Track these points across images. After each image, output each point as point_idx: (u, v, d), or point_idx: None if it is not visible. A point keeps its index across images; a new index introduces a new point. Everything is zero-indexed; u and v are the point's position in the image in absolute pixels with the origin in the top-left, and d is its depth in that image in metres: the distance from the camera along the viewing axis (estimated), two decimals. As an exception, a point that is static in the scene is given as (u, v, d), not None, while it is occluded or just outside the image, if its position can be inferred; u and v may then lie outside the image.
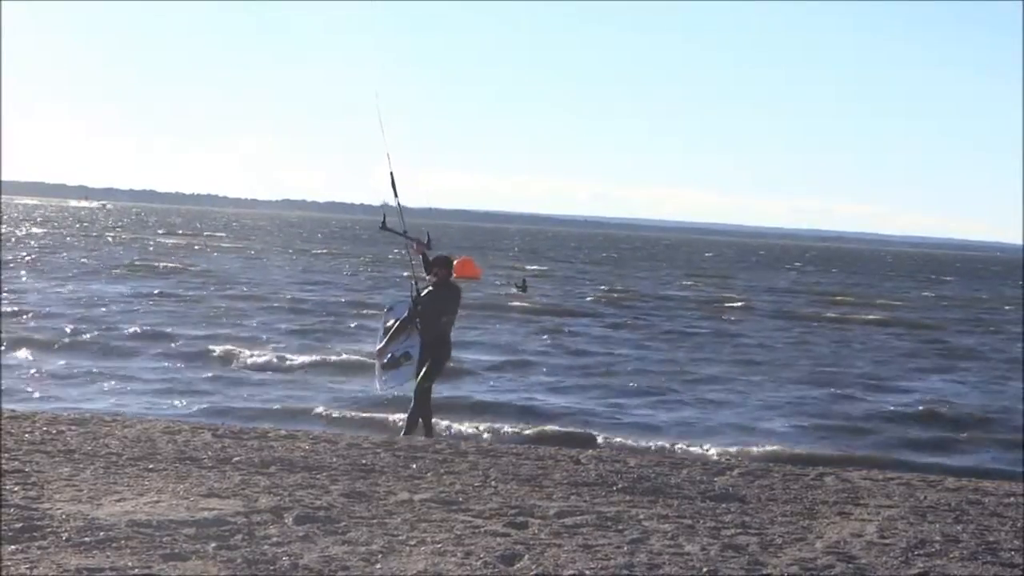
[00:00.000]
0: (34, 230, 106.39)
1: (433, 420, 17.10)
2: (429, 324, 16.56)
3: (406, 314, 16.64)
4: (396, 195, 17.28)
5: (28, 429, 13.49)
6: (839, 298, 64.92)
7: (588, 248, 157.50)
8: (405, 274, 17.15)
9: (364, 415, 20.86)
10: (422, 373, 16.47)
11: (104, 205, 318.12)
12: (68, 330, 30.21)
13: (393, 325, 16.70)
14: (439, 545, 9.11)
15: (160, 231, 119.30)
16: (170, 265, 61.79)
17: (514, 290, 49.11)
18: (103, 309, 35.86)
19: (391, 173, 17.11)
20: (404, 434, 16.40)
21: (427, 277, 16.86)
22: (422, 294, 16.72)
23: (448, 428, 19.78)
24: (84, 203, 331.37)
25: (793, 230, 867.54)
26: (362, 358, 25.49)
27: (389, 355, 16.61)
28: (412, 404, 16.72)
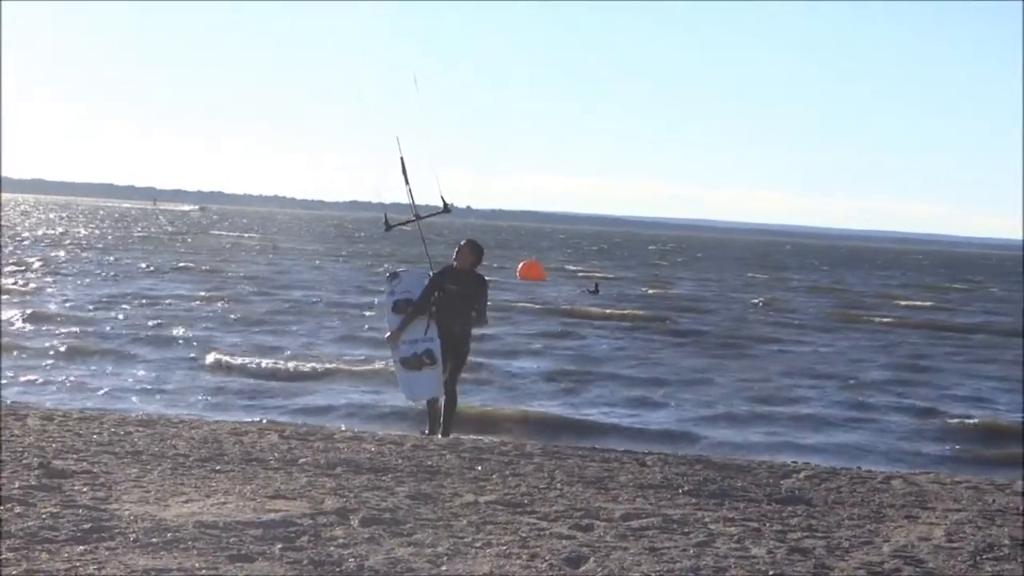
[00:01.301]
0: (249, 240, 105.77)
1: (454, 418, 16.15)
2: (451, 317, 15.63)
3: (420, 296, 15.66)
4: (407, 182, 16.37)
5: (96, 430, 13.59)
6: None
7: (671, 250, 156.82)
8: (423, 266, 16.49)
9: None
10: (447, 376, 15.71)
11: (203, 209, 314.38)
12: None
13: (405, 303, 15.71)
14: (504, 547, 9.11)
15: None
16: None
17: (589, 292, 49.05)
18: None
19: (401, 158, 16.22)
20: (428, 432, 15.90)
21: (453, 263, 15.84)
22: (444, 283, 15.69)
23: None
24: (185, 207, 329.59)
25: (862, 231, 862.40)
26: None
27: (405, 347, 15.56)
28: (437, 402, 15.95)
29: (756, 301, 51.68)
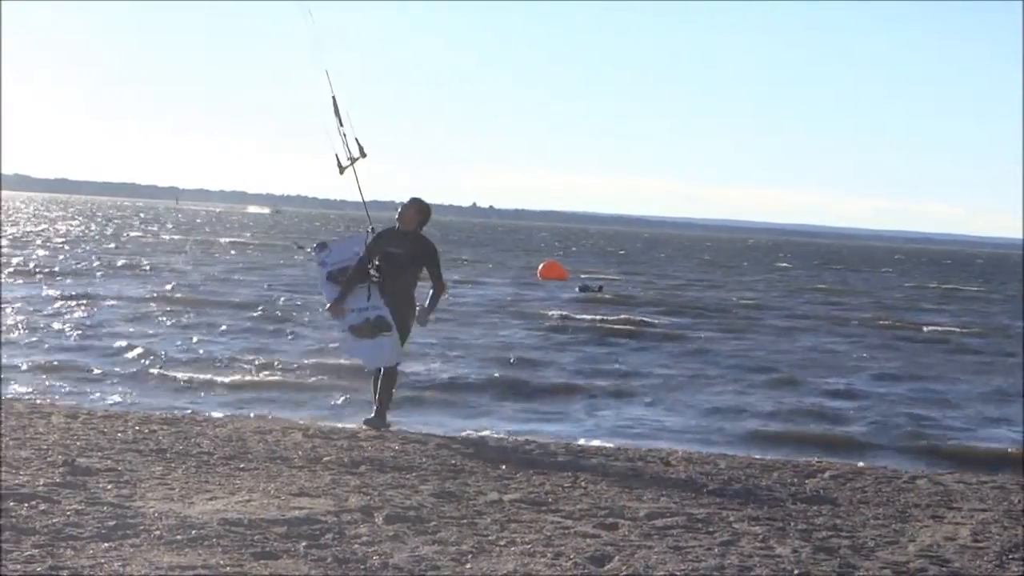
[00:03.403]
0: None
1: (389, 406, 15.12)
2: (393, 284, 14.55)
3: (358, 261, 14.62)
4: (340, 123, 15.24)
5: (121, 428, 13.62)
6: None
7: (710, 251, 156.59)
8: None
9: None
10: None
11: (278, 211, 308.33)
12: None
13: (340, 272, 14.75)
14: (529, 546, 9.11)
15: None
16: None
17: (582, 292, 48.82)
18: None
19: (333, 97, 15.15)
20: (375, 418, 14.88)
21: (396, 224, 14.74)
22: (384, 246, 14.61)
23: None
24: (255, 209, 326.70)
25: (879, 231, 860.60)
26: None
27: (353, 315, 14.58)
28: (380, 381, 14.91)
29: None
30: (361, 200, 15.65)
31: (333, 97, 15.23)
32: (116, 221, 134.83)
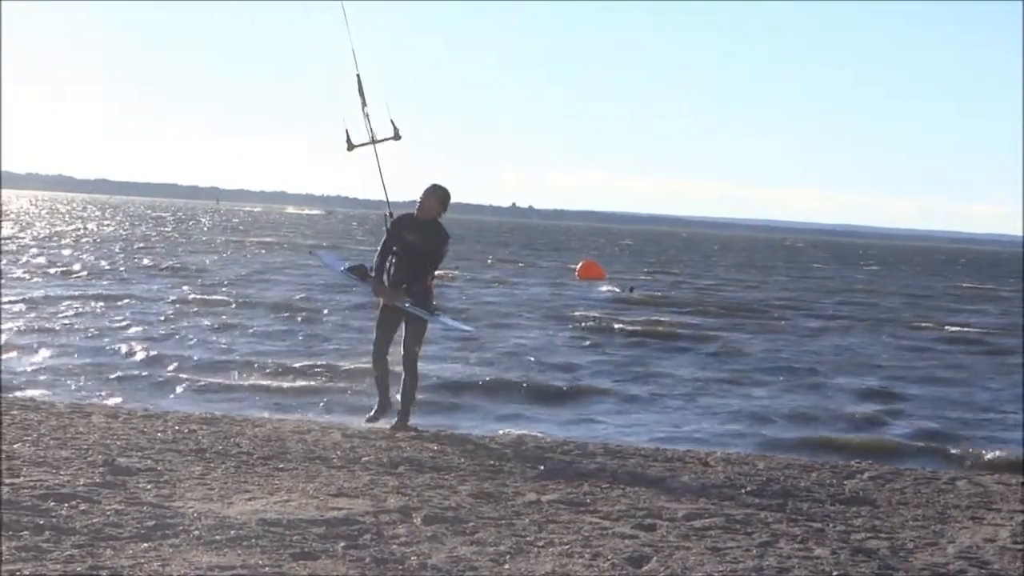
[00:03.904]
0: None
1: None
2: (409, 274, 14.12)
3: (380, 250, 14.23)
4: (364, 103, 14.80)
5: (160, 428, 13.67)
6: None
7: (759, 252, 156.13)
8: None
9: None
10: (411, 336, 14.29)
11: (330, 213, 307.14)
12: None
13: (360, 267, 14.67)
14: (567, 546, 9.11)
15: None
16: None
17: (629, 292, 48.85)
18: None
19: (358, 76, 14.70)
20: (376, 412, 14.74)
21: (414, 212, 14.27)
22: (403, 232, 14.15)
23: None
24: (308, 211, 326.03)
25: (924, 231, 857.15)
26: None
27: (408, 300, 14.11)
28: (403, 376, 14.45)
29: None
30: (381, 183, 15.15)
31: (358, 75, 14.75)
32: (159, 219, 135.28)
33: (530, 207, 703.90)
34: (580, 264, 63.73)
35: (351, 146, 14.95)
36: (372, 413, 14.91)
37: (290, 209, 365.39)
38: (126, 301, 33.47)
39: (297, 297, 37.59)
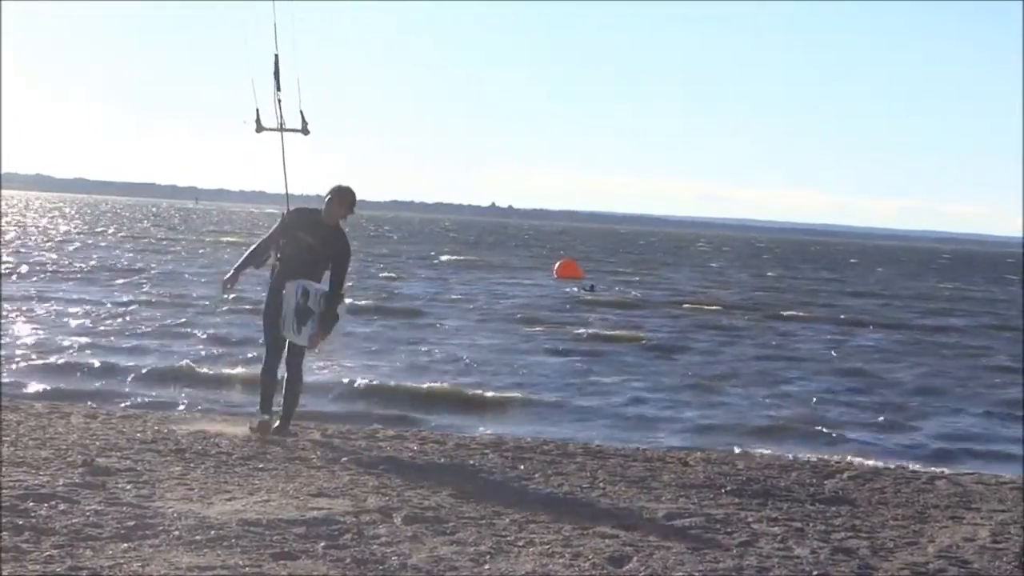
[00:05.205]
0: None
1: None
2: (296, 275, 13.24)
3: (266, 236, 13.52)
4: (279, 88, 14.10)
5: (140, 428, 13.64)
6: None
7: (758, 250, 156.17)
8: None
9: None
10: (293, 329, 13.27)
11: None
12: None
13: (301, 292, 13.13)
14: (547, 546, 9.11)
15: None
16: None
17: (584, 291, 48.92)
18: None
19: (276, 55, 13.95)
20: (260, 421, 13.67)
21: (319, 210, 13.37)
22: (297, 230, 13.29)
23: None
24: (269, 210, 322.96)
25: (904, 231, 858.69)
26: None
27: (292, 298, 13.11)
28: (286, 377, 13.58)
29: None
30: (283, 177, 14.57)
31: (276, 55, 14.09)
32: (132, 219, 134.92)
33: (510, 207, 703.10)
34: (558, 264, 63.75)
35: (259, 128, 14.43)
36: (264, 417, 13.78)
37: (270, 209, 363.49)
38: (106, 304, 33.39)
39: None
